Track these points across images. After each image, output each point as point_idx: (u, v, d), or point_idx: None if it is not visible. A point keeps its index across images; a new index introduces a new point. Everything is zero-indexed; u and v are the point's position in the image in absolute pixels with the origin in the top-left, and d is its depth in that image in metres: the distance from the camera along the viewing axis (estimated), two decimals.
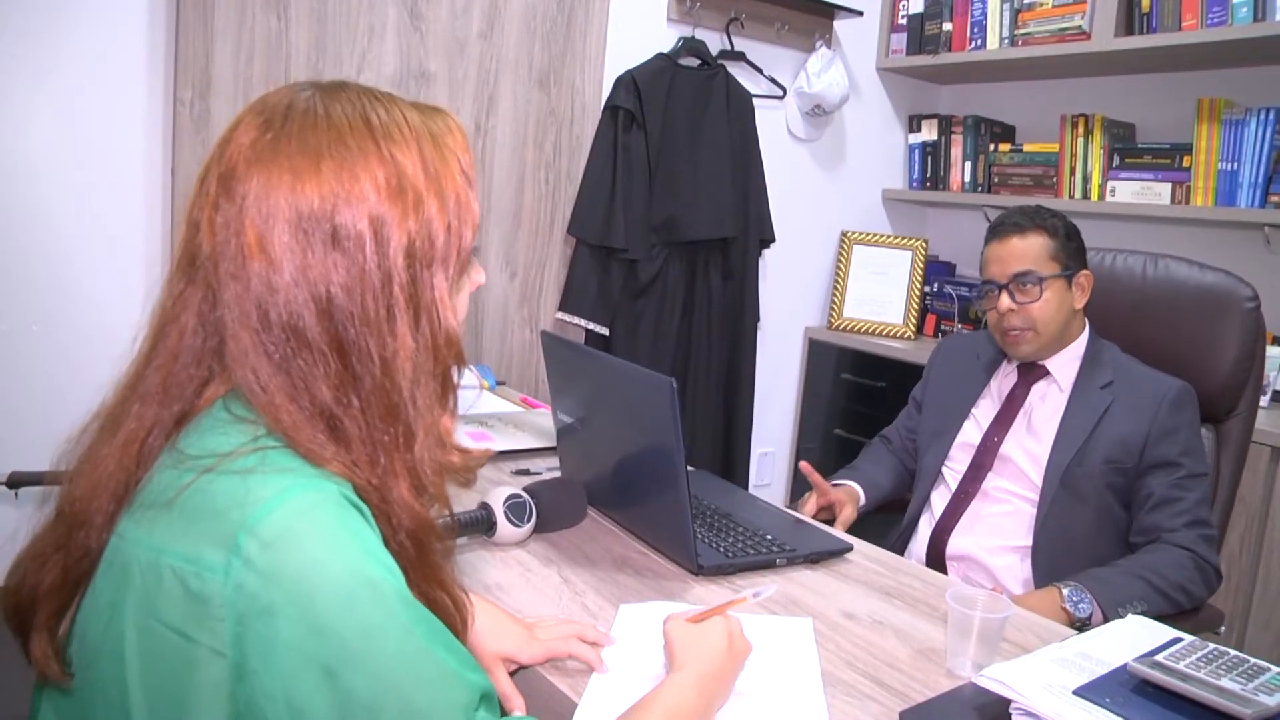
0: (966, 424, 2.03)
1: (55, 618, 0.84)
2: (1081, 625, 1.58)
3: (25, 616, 0.85)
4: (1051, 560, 1.82)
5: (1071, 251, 1.90)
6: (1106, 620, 1.61)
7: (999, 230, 1.92)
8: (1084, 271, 1.92)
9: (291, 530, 0.75)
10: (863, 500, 2.07)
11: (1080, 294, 1.92)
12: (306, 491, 0.77)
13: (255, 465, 0.78)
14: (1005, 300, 1.88)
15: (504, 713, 1.09)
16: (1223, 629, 1.92)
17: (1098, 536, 1.84)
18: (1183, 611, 1.73)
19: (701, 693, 1.00)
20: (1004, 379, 2.02)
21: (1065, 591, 1.64)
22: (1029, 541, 1.85)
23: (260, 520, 0.75)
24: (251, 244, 0.81)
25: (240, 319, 0.81)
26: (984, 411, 2.02)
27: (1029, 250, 1.88)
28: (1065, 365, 1.93)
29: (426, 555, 0.88)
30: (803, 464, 1.99)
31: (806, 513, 1.94)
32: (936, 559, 1.94)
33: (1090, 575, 1.69)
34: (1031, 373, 1.97)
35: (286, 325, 0.81)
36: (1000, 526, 1.90)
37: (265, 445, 0.80)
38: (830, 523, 1.94)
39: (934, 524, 1.98)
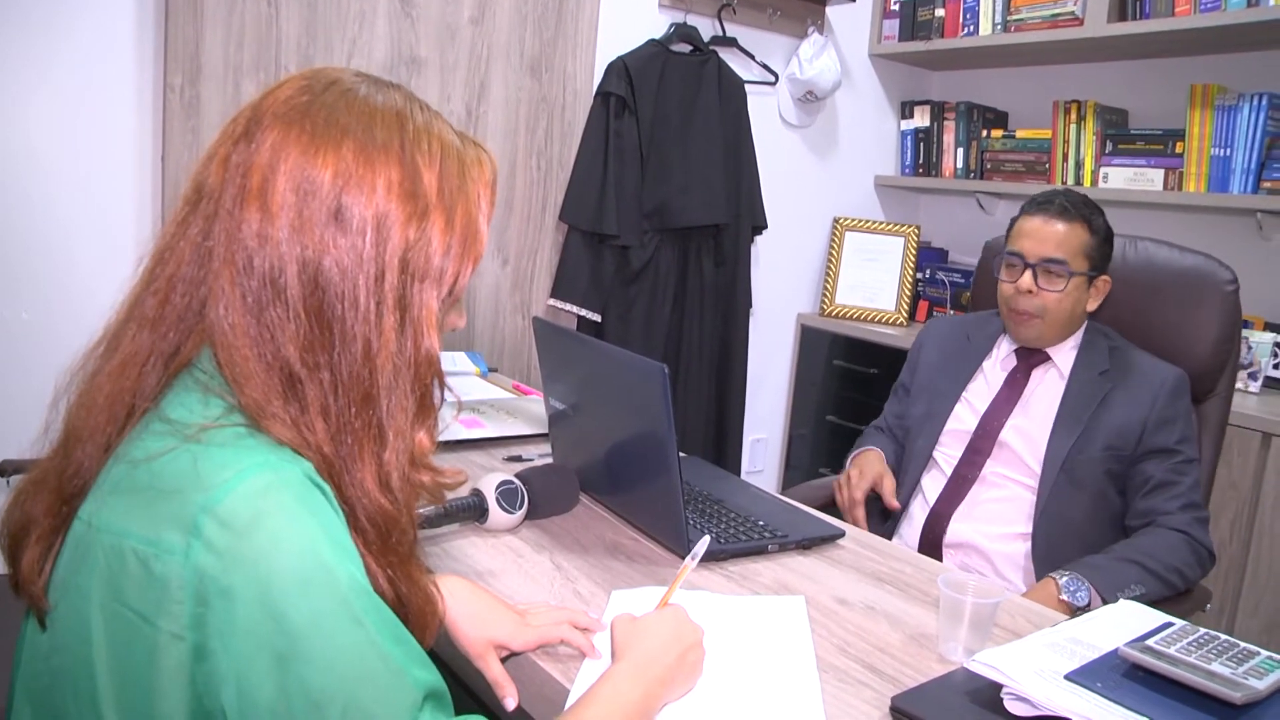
0: (959, 407, 2.03)
1: (47, 539, 0.85)
2: (1081, 614, 1.59)
3: (19, 539, 0.85)
4: (1050, 546, 1.83)
5: (1103, 254, 1.90)
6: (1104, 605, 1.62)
7: (1045, 207, 1.89)
8: (1105, 276, 1.92)
9: (251, 511, 0.75)
10: (889, 459, 2.08)
11: (1095, 296, 1.92)
12: (266, 471, 0.77)
13: (217, 442, 0.78)
14: (1028, 279, 1.87)
15: (496, 699, 1.10)
16: (1209, 607, 1.94)
17: (1095, 522, 1.84)
18: (1178, 593, 1.75)
19: (637, 681, 1.00)
20: (1000, 362, 2.02)
21: (1062, 581, 1.64)
22: (1028, 528, 1.85)
23: (220, 501, 0.74)
24: (253, 189, 0.82)
25: (225, 256, 0.82)
26: (978, 395, 2.02)
27: (1068, 239, 1.86)
28: (1065, 352, 1.94)
29: (391, 546, 0.88)
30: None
31: (858, 500, 1.94)
32: (932, 545, 1.94)
33: (1085, 564, 1.70)
34: (1032, 357, 1.96)
35: (267, 276, 0.82)
36: (999, 513, 1.90)
37: (228, 421, 0.80)
38: (879, 499, 1.97)
39: (929, 510, 1.97)
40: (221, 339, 0.82)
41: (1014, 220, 1.96)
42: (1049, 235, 1.86)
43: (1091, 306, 1.93)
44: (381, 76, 0.92)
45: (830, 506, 1.98)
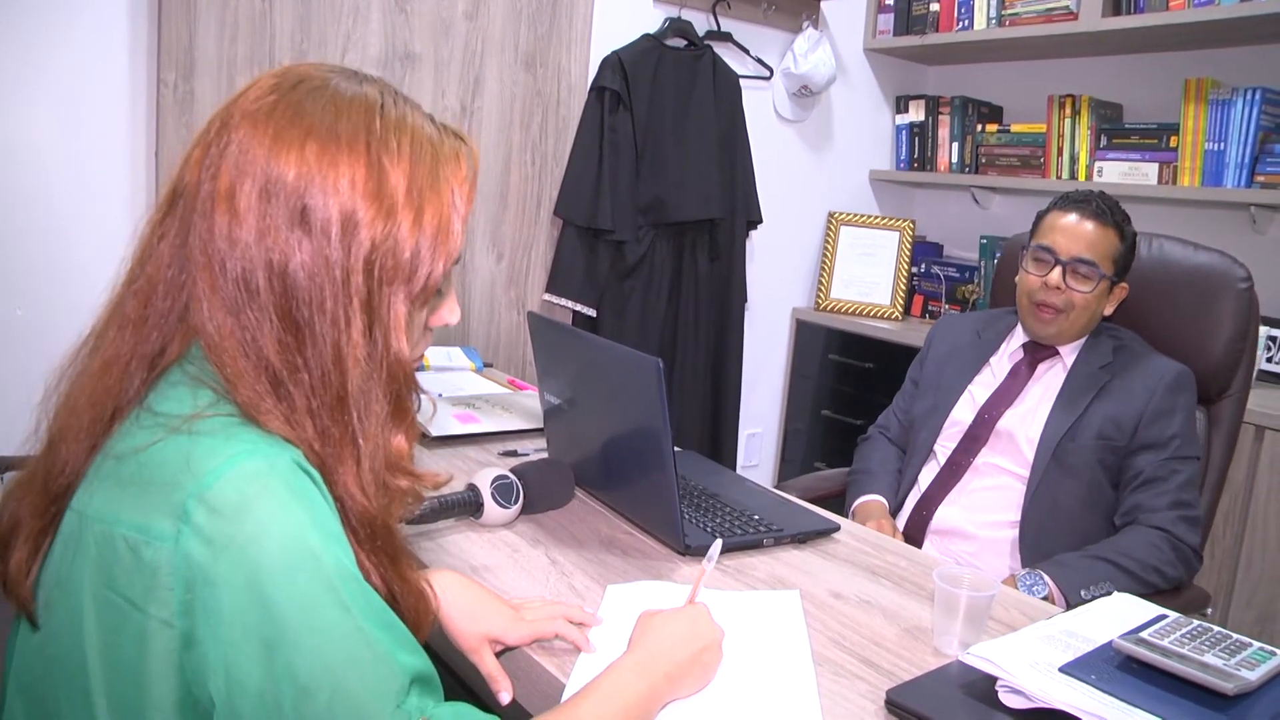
0: (962, 400, 2.03)
1: (35, 540, 0.85)
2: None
3: (6, 540, 0.86)
4: (1039, 534, 1.83)
5: (1128, 263, 1.90)
6: (1069, 604, 1.62)
7: (1081, 207, 1.88)
8: (1124, 284, 1.93)
9: (240, 497, 0.75)
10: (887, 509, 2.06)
11: (1112, 302, 1.93)
12: (255, 458, 0.77)
13: (207, 431, 0.79)
14: (1057, 275, 1.86)
15: (491, 693, 1.10)
16: (1210, 610, 1.93)
17: (1086, 512, 1.84)
18: (1161, 592, 1.74)
19: (642, 675, 0.99)
20: (1007, 357, 2.02)
21: (1018, 577, 1.66)
22: (1017, 516, 1.86)
23: (209, 488, 0.75)
24: (222, 191, 0.82)
25: (202, 259, 0.82)
26: (981, 389, 2.02)
27: (1100, 242, 1.86)
28: (1071, 349, 1.94)
29: (378, 544, 0.88)
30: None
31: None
32: (917, 530, 1.94)
33: (1053, 561, 1.71)
34: (1039, 351, 1.97)
35: (239, 278, 0.82)
36: (989, 501, 1.91)
37: (218, 411, 0.80)
38: None
39: (919, 497, 1.98)
40: (209, 340, 0.82)
41: (1043, 214, 1.95)
42: (1082, 235, 1.86)
43: (1108, 311, 1.93)
44: (371, 73, 0.92)
45: (825, 501, 1.98)
